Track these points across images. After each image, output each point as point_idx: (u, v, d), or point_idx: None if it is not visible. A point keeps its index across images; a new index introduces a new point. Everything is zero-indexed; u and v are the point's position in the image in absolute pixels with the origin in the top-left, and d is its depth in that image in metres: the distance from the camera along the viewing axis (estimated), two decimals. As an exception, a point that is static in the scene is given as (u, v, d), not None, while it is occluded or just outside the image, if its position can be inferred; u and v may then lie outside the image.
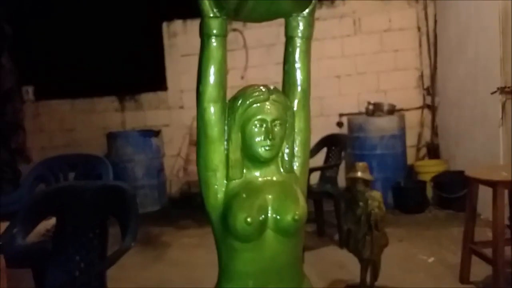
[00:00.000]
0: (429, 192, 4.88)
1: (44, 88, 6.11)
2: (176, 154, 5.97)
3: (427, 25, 5.44)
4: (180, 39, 5.91)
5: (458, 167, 4.57)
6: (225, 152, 1.36)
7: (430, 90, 5.48)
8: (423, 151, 5.55)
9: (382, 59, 5.52)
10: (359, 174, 2.76)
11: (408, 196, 4.81)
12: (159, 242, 4.44)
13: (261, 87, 1.38)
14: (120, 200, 2.34)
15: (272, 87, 1.40)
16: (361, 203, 2.73)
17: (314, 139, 4.32)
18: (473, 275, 3.08)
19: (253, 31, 5.56)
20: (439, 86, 5.42)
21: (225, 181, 1.36)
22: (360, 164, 2.82)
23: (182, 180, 5.95)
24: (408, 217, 4.56)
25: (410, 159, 5.31)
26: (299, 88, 1.44)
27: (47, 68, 5.85)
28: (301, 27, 1.42)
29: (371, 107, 5.06)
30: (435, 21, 5.39)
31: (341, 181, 4.48)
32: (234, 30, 5.55)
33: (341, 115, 5.59)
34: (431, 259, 3.54)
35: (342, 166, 4.49)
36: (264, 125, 1.35)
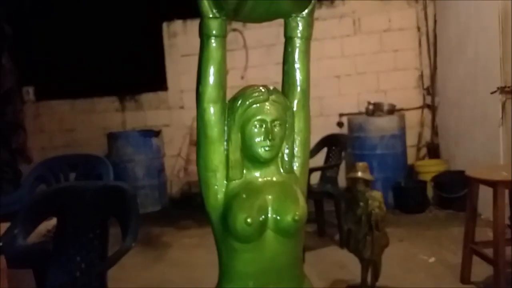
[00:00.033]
0: (430, 192, 4.88)
1: (44, 88, 6.12)
2: (177, 154, 5.97)
3: (426, 25, 5.44)
4: (180, 39, 5.91)
5: (458, 167, 4.57)
6: (225, 152, 1.36)
7: (430, 90, 5.48)
8: (423, 151, 5.55)
9: (382, 59, 5.52)
10: (359, 174, 2.76)
11: (408, 196, 4.81)
12: (160, 242, 4.44)
13: (261, 88, 1.38)
14: (120, 200, 2.34)
15: (271, 88, 1.40)
16: (361, 203, 2.74)
17: (314, 139, 4.32)
18: (474, 275, 3.08)
19: (253, 31, 5.57)
20: (439, 86, 5.42)
21: (225, 182, 1.36)
22: (360, 164, 2.82)
23: (183, 180, 5.96)
24: (409, 217, 4.56)
25: (410, 159, 5.31)
26: (298, 89, 1.44)
27: (47, 69, 5.86)
28: (300, 27, 1.42)
29: (371, 107, 5.07)
30: (435, 21, 5.39)
31: (342, 181, 4.48)
32: (234, 30, 5.55)
33: (341, 115, 5.60)
34: (431, 259, 3.54)
35: (343, 166, 4.49)
36: (264, 126, 1.35)
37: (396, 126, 4.99)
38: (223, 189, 1.36)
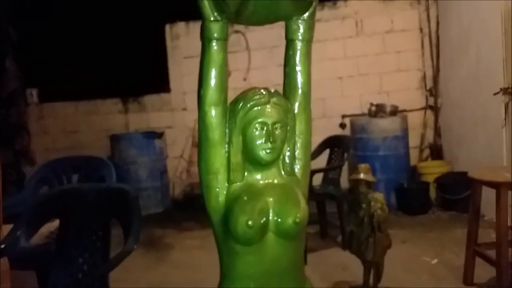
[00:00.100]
0: (432, 193, 4.87)
1: (48, 90, 6.13)
2: (179, 156, 5.98)
3: (429, 26, 5.43)
4: (182, 41, 5.92)
5: (461, 168, 4.56)
6: (226, 155, 1.36)
7: (433, 91, 5.48)
8: (426, 152, 5.54)
9: (384, 60, 5.52)
10: (361, 175, 2.76)
11: (411, 198, 4.80)
12: (162, 244, 4.45)
13: (262, 90, 1.38)
14: (123, 202, 2.35)
15: (272, 90, 1.40)
16: (364, 205, 2.74)
17: (317, 141, 4.32)
18: (477, 277, 3.07)
19: (255, 33, 5.57)
20: (441, 87, 5.41)
21: (226, 184, 1.37)
22: (363, 166, 2.82)
23: (185, 182, 5.96)
24: (411, 219, 4.56)
25: (413, 160, 5.30)
26: (299, 91, 1.44)
27: (51, 71, 5.87)
28: (301, 30, 1.42)
29: (373, 108, 5.06)
30: (437, 22, 5.38)
31: (344, 182, 4.47)
32: (237, 32, 5.56)
33: (343, 116, 5.59)
34: (434, 261, 3.53)
35: (345, 168, 4.48)
36: (265, 128, 1.35)
37: (398, 127, 4.99)
38: (224, 192, 1.36)
